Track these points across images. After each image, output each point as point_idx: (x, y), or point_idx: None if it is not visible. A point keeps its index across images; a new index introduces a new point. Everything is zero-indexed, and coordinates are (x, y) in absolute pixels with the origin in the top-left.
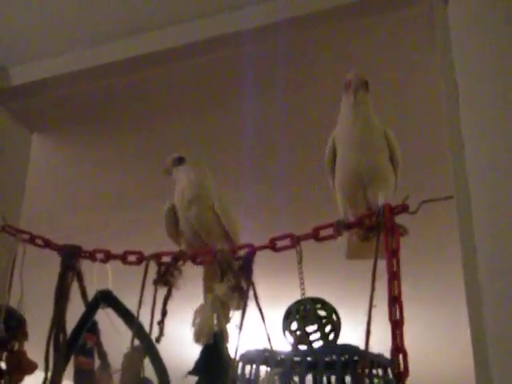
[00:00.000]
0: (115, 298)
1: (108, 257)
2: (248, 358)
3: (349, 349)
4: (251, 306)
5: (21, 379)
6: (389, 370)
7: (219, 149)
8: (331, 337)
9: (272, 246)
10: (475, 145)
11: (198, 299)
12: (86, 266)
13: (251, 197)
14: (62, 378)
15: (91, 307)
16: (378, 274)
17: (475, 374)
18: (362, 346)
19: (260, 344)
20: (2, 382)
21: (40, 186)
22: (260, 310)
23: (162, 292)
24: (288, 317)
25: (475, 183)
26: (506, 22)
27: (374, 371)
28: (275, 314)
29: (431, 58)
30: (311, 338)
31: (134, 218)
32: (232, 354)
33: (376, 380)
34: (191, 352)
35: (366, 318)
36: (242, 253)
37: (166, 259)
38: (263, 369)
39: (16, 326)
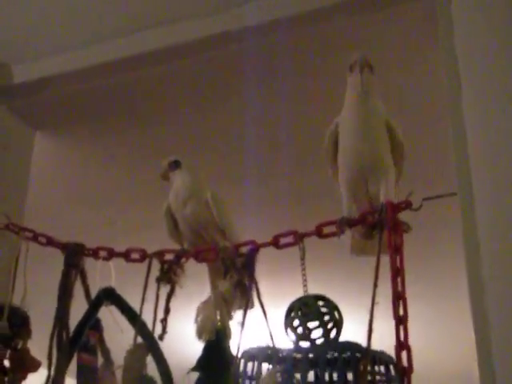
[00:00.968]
0: (118, 295)
1: (111, 254)
2: (250, 355)
3: (350, 346)
4: (254, 303)
5: (24, 377)
6: (391, 367)
7: (222, 146)
8: (333, 334)
9: (275, 243)
10: (478, 141)
11: (200, 297)
12: (89, 263)
13: (254, 194)
14: (65, 375)
15: (94, 305)
16: (381, 270)
17: (479, 370)
18: (364, 343)
19: (262, 341)
20: (6, 379)
21: (43, 183)
22: (262, 306)
23: (165, 290)
24: (290, 314)
25: (478, 180)
26: (510, 17)
27: (376, 368)
28: (278, 310)
29: (434, 53)
30: (313, 335)
31: (137, 216)
32: (234, 351)
33: (378, 377)
34: (194, 349)
35: (368, 315)
36: (244, 250)
37: (168, 257)
38: (265, 366)
39: (20, 323)
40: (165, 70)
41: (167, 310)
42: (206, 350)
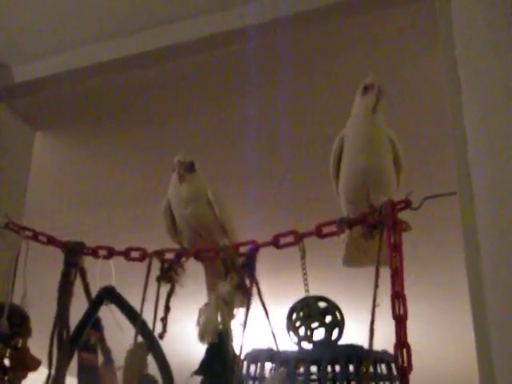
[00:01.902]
0: (118, 294)
1: (111, 253)
2: (253, 357)
3: (352, 347)
4: (255, 304)
5: (25, 376)
6: (393, 366)
7: (222, 145)
8: (335, 335)
9: (275, 242)
10: (478, 140)
11: (201, 296)
12: (89, 262)
13: (254, 193)
14: (66, 374)
15: (94, 304)
16: (381, 271)
17: (478, 369)
18: (365, 344)
19: (264, 342)
20: (6, 378)
21: (43, 183)
22: (264, 307)
23: (166, 289)
24: (292, 315)
25: (478, 179)
26: (510, 16)
27: (378, 368)
28: (279, 311)
29: (434, 52)
30: (315, 336)
31: (137, 215)
32: (237, 353)
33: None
34: (194, 349)
35: (369, 315)
36: (245, 250)
37: (169, 256)
38: (268, 367)
39: (20, 322)
40: (165, 69)
41: (167, 309)
42: (208, 352)
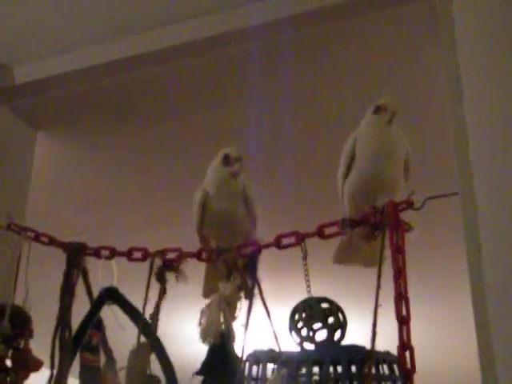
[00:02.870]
0: (121, 294)
1: (113, 254)
2: (255, 358)
3: (354, 348)
4: (257, 305)
5: (26, 376)
6: (395, 368)
7: (225, 145)
8: (337, 335)
9: (277, 243)
10: (480, 141)
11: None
12: (91, 263)
13: (255, 193)
14: (68, 374)
15: (97, 304)
16: (384, 272)
17: (480, 369)
18: (368, 344)
19: (267, 342)
20: (8, 379)
21: (44, 184)
22: (266, 308)
23: (168, 289)
24: (294, 316)
25: (480, 179)
26: (511, 16)
27: (381, 369)
28: (281, 312)
29: (435, 52)
30: (317, 337)
31: (138, 217)
32: (239, 354)
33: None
34: (197, 350)
35: (372, 316)
36: (247, 251)
37: (170, 256)
38: (270, 368)
39: (21, 323)
40: (167, 70)
41: (158, 308)
42: (210, 353)
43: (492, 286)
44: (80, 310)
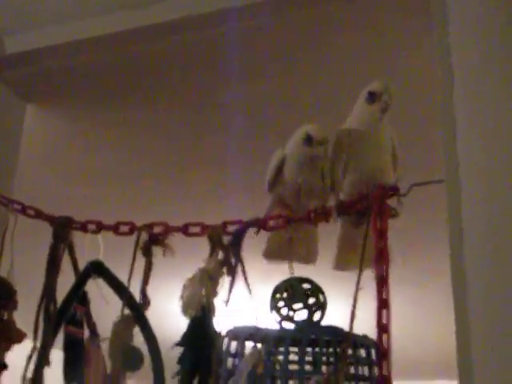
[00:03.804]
0: (106, 268)
1: (100, 228)
2: (234, 334)
3: (332, 329)
4: (240, 282)
5: (8, 348)
6: (373, 352)
7: (208, 127)
8: (317, 316)
9: (263, 224)
10: (468, 129)
11: (188, 272)
12: (77, 238)
13: (240, 175)
14: (51, 347)
15: (82, 277)
16: (367, 256)
17: (457, 349)
18: (347, 327)
19: (247, 320)
20: None
21: (33, 156)
22: (248, 286)
23: (155, 264)
24: (275, 295)
25: (466, 167)
26: (505, 6)
27: (358, 352)
28: (264, 290)
29: (428, 40)
30: (297, 316)
31: (126, 192)
32: (219, 329)
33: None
34: (180, 325)
35: (352, 299)
36: (232, 228)
37: (157, 230)
38: (249, 345)
39: (6, 295)
40: (158, 46)
41: (146, 282)
42: (190, 325)
43: (472, 270)
44: (65, 283)
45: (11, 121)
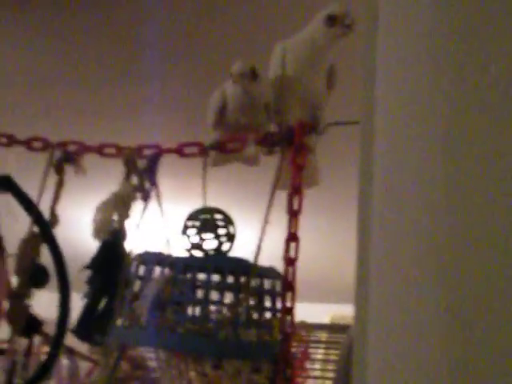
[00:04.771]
0: (15, 183)
1: (11, 142)
2: (143, 259)
3: (238, 261)
4: (154, 208)
5: None
6: (277, 284)
7: (132, 40)
8: (226, 247)
9: (179, 151)
10: (388, 73)
11: (97, 189)
12: None
13: (158, 95)
14: None
15: None
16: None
17: (355, 272)
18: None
19: (158, 245)
20: None
21: None
22: (161, 211)
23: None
24: (187, 224)
25: (381, 111)
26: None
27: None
28: (177, 217)
29: None
30: (206, 245)
31: (39, 102)
32: (128, 253)
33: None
34: (89, 239)
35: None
36: (148, 152)
37: (72, 148)
38: (158, 270)
39: None
40: None
41: (56, 199)
42: (100, 249)
43: (377, 211)
44: None
45: None
